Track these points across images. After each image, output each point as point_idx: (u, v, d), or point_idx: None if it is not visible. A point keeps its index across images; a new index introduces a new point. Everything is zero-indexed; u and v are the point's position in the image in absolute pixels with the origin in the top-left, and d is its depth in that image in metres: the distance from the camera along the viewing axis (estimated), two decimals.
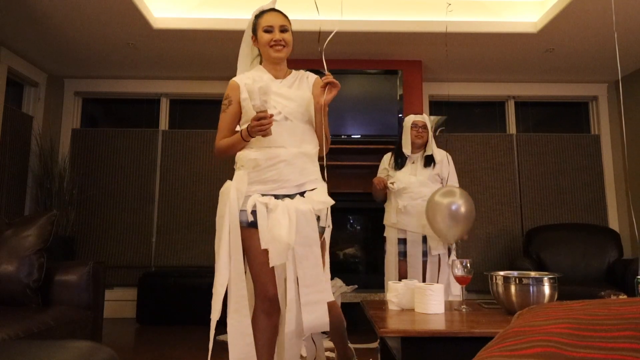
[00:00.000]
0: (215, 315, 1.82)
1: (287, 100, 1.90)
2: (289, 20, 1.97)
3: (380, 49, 4.08)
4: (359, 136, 4.10)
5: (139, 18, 3.46)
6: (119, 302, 4.41)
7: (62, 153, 4.64)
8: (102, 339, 2.95)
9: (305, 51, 4.06)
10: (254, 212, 1.82)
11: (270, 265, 1.76)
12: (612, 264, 3.90)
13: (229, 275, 1.81)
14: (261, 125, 1.73)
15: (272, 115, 1.76)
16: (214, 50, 4.06)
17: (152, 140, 4.69)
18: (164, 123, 4.81)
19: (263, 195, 1.85)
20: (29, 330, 1.82)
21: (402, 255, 2.97)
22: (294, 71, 2.03)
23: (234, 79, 1.97)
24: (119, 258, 4.50)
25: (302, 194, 1.89)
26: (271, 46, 1.91)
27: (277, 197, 1.85)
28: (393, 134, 4.04)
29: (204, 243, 4.54)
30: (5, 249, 2.21)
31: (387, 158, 3.14)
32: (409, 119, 3.04)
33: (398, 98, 4.13)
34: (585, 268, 3.93)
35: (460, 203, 2.68)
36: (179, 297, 3.99)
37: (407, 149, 3.01)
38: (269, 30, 1.90)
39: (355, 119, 4.11)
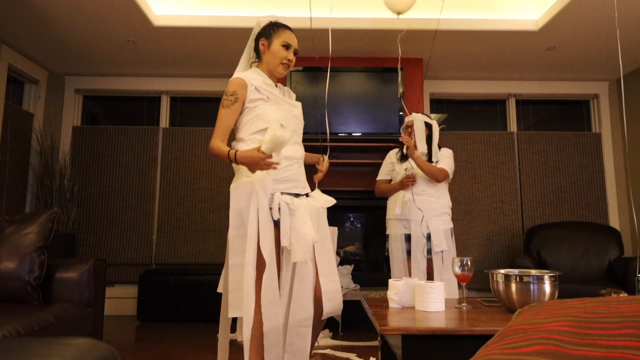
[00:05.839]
0: (235, 313, 1.79)
1: (292, 106, 2.04)
2: None
3: (381, 46, 4.08)
4: (360, 134, 4.10)
5: (139, 15, 3.46)
6: (120, 299, 4.42)
7: (63, 151, 4.64)
8: (103, 337, 2.95)
9: (301, 50, 4.06)
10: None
11: (292, 262, 1.85)
12: (612, 262, 3.89)
13: (265, 268, 1.80)
14: (267, 164, 1.77)
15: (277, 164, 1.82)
16: (214, 47, 4.05)
17: (152, 138, 4.69)
18: (164, 120, 4.81)
19: (282, 193, 1.89)
20: (30, 328, 1.83)
21: (409, 253, 2.94)
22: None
23: (241, 76, 1.96)
24: (119, 255, 4.51)
25: (306, 194, 2.01)
26: (282, 63, 2.02)
27: (297, 195, 1.96)
28: (394, 132, 4.03)
29: (204, 240, 4.54)
30: (6, 247, 2.21)
31: (394, 152, 3.19)
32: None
33: (399, 96, 4.13)
34: (586, 266, 3.93)
35: None
36: (180, 295, 3.99)
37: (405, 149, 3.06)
38: (287, 46, 2.01)
39: (355, 117, 4.11)
